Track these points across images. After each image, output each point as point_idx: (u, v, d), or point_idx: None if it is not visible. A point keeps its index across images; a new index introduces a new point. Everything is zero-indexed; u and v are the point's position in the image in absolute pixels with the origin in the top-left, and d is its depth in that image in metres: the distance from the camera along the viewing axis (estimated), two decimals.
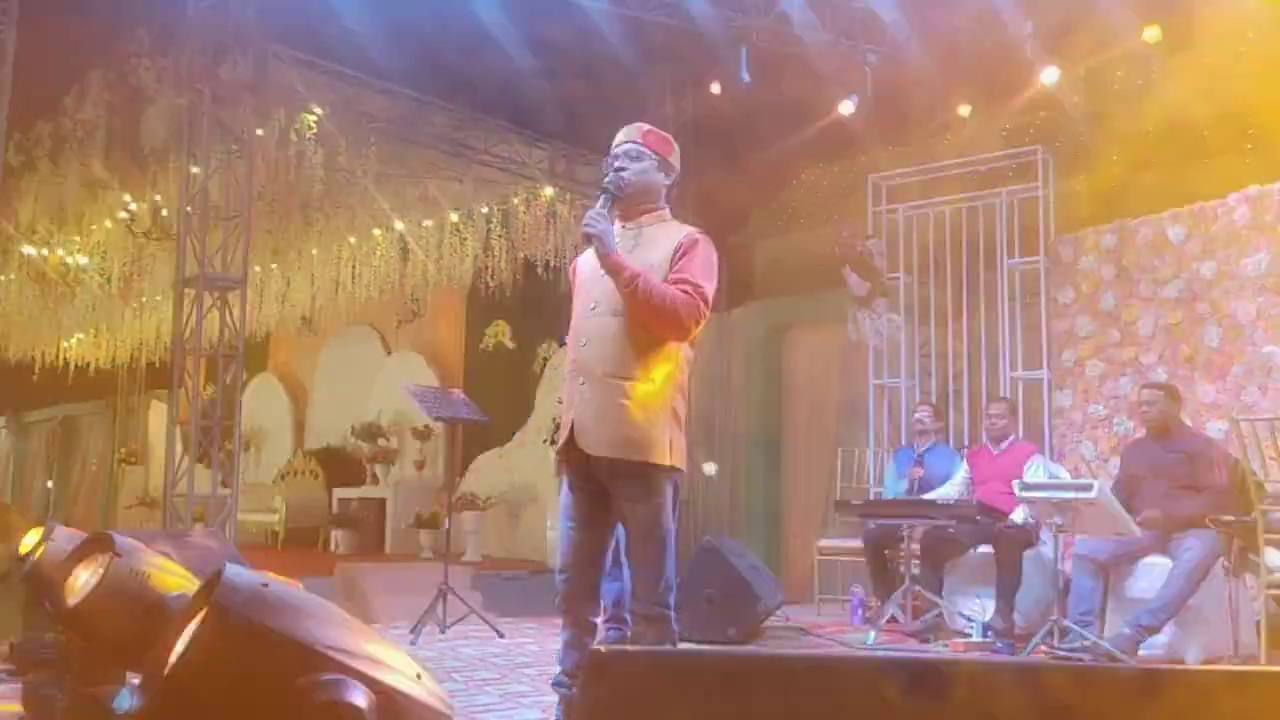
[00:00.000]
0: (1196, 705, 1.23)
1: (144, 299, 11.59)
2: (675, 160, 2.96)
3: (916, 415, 6.34)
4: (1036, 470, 5.50)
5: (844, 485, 7.17)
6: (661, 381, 2.79)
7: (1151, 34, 6.78)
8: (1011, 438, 5.89)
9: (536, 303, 9.51)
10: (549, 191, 8.63)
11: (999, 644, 5.08)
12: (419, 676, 1.59)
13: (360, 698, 1.43)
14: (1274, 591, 4.28)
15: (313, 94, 7.12)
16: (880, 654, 4.57)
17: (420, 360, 10.94)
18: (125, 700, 2.40)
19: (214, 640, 1.48)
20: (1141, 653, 4.57)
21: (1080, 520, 4.59)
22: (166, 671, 1.49)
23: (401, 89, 7.36)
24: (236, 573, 1.57)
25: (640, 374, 2.77)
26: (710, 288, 2.78)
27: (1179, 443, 4.90)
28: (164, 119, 7.28)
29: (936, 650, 5.26)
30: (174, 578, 1.99)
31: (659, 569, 2.82)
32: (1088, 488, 4.52)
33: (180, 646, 1.50)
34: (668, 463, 2.77)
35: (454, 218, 9.40)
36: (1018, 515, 5.30)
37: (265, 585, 1.55)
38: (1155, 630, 4.57)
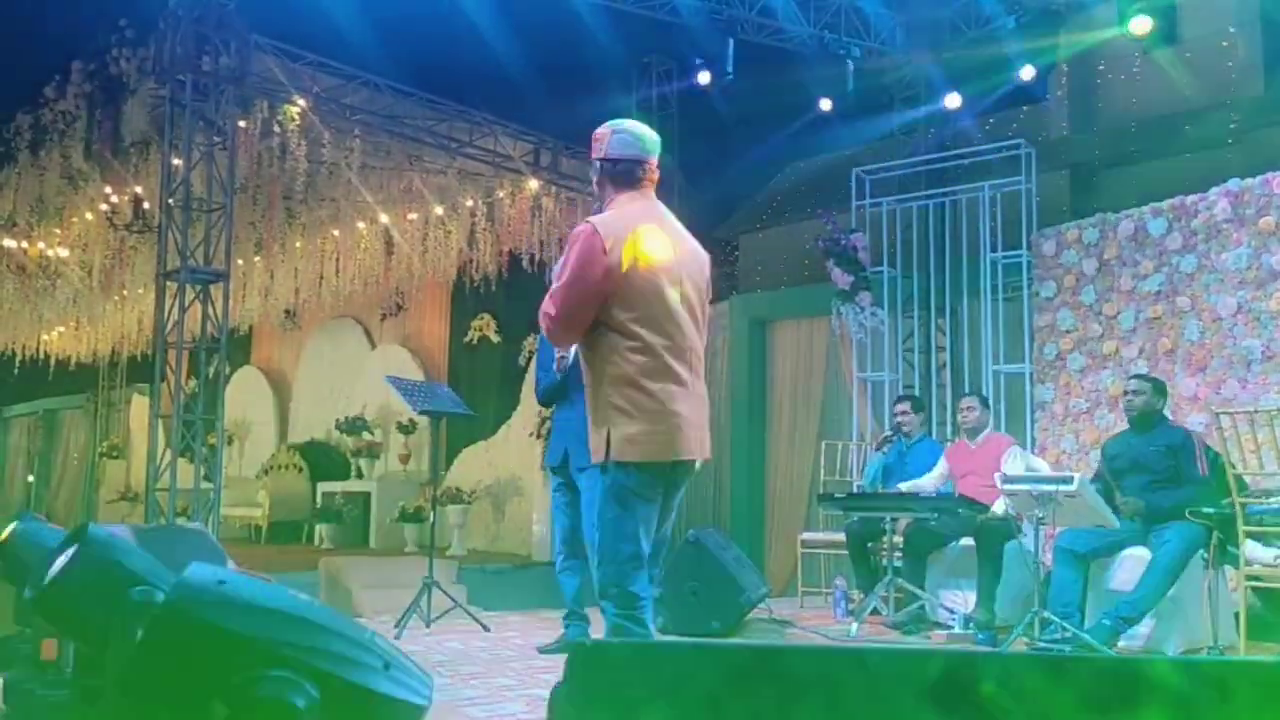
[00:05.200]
0: (1175, 694, 1.25)
1: (125, 292, 11.53)
2: (604, 146, 2.98)
3: (895, 409, 6.36)
4: (1014, 462, 5.53)
5: (827, 478, 7.20)
6: (598, 381, 2.82)
7: (1135, 30, 6.83)
8: (988, 430, 5.91)
9: (521, 296, 9.49)
10: (534, 184, 8.61)
11: (980, 636, 5.11)
12: (387, 666, 1.59)
13: (300, 696, 1.43)
14: (1252, 583, 4.33)
15: (296, 85, 7.08)
16: (865, 646, 4.60)
17: (405, 354, 10.91)
18: None
19: (167, 637, 1.49)
20: (1121, 644, 4.62)
21: (1061, 513, 4.63)
22: (124, 666, 1.50)
23: (386, 81, 7.33)
24: (196, 570, 1.57)
25: (589, 379, 2.87)
26: (562, 283, 2.82)
27: (1161, 435, 4.94)
28: (145, 110, 7.24)
29: (917, 642, 5.29)
30: (143, 572, 1.98)
31: (601, 566, 2.83)
32: (1068, 480, 4.55)
33: (139, 641, 1.50)
34: (601, 459, 2.79)
35: (439, 210, 9.37)
36: (999, 507, 5.33)
37: (222, 583, 1.55)
38: (1135, 621, 4.61)
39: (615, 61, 7.99)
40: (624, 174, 2.93)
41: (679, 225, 3.00)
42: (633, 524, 2.78)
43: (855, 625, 5.37)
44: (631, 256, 2.78)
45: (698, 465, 2.90)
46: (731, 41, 7.37)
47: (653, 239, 2.84)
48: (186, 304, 6.29)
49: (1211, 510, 4.47)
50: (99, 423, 14.99)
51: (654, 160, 2.98)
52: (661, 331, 2.80)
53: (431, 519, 6.31)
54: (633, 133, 2.97)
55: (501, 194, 9.00)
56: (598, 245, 2.78)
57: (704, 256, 3.04)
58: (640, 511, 2.78)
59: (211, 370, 6.53)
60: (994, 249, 7.01)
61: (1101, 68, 7.53)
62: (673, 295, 2.84)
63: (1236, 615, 4.52)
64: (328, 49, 7.01)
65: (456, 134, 7.99)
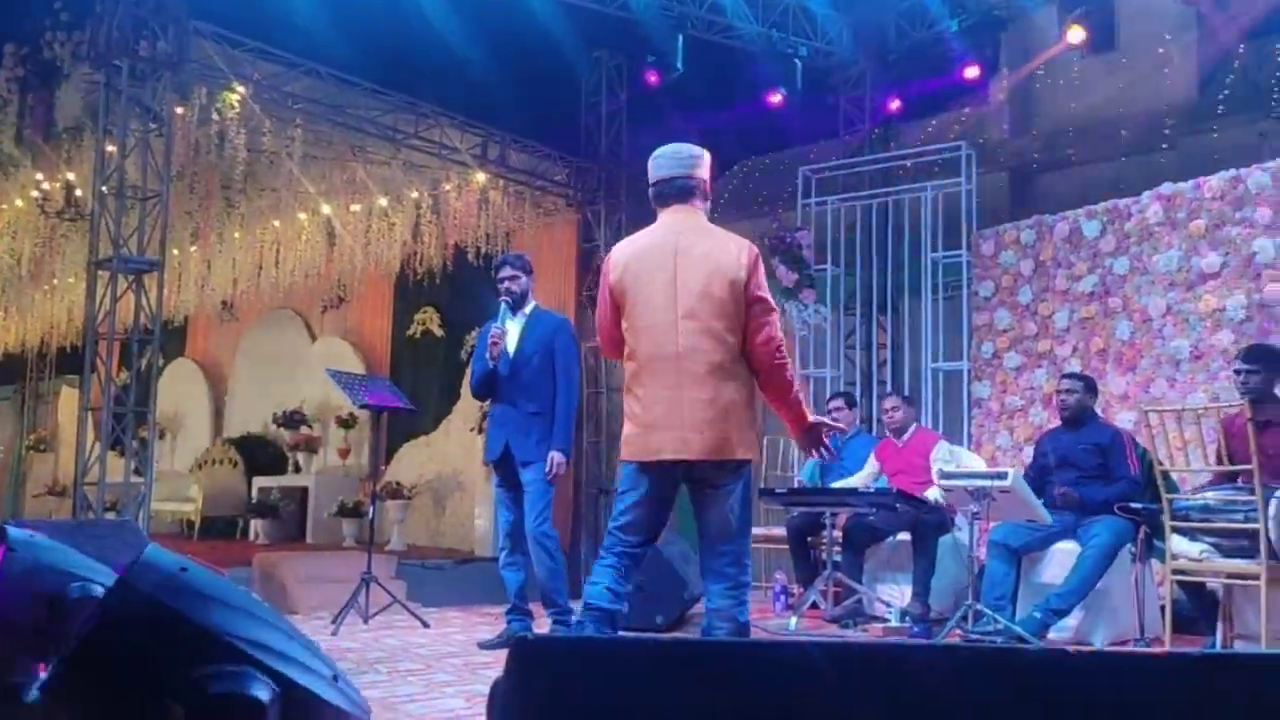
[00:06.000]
0: (1102, 685, 1.28)
1: (55, 281, 11.24)
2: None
3: (829, 406, 6.43)
4: (944, 457, 5.61)
5: (769, 474, 7.25)
6: None
7: (1074, 36, 6.98)
8: (914, 427, 5.97)
9: (466, 290, 9.42)
10: (481, 177, 8.55)
11: (915, 628, 5.19)
12: (335, 678, 1.57)
13: (262, 691, 1.41)
14: (1178, 577, 4.44)
15: (235, 72, 6.94)
16: (801, 639, 4.65)
17: (346, 347, 10.76)
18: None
19: (122, 620, 1.44)
20: (1051, 635, 4.71)
21: (995, 508, 4.72)
22: (71, 648, 1.45)
23: (329, 69, 7.21)
24: (157, 553, 1.53)
25: None
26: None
27: (1091, 433, 5.06)
28: (79, 95, 7.05)
29: (855, 635, 5.36)
30: (77, 568, 1.93)
31: None
32: (1002, 476, 4.64)
33: (94, 626, 1.46)
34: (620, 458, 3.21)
35: (383, 202, 9.26)
36: (931, 494, 5.39)
37: (184, 570, 1.51)
38: (1064, 614, 4.71)
39: (565, 55, 7.95)
40: (656, 196, 3.21)
41: (700, 233, 3.14)
42: (619, 508, 3.16)
43: (795, 619, 5.42)
44: (622, 276, 3.13)
45: (748, 465, 3.12)
46: (681, 38, 7.38)
47: (643, 257, 3.12)
48: (119, 294, 6.14)
49: (1139, 505, 4.58)
50: (26, 415, 14.58)
51: (678, 175, 3.18)
52: (649, 340, 3.07)
53: (371, 514, 6.24)
54: (659, 156, 3.23)
55: (448, 186, 8.92)
56: (606, 269, 3.21)
57: (724, 260, 3.07)
58: (628, 501, 3.12)
59: (144, 362, 6.38)
60: (935, 248, 7.12)
61: (1040, 73, 7.69)
62: (663, 306, 3.05)
63: (1162, 608, 4.64)
64: (269, 35, 6.88)
65: (402, 125, 7.89)
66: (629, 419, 3.12)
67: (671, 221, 3.16)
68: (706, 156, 3.24)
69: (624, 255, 3.17)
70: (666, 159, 3.21)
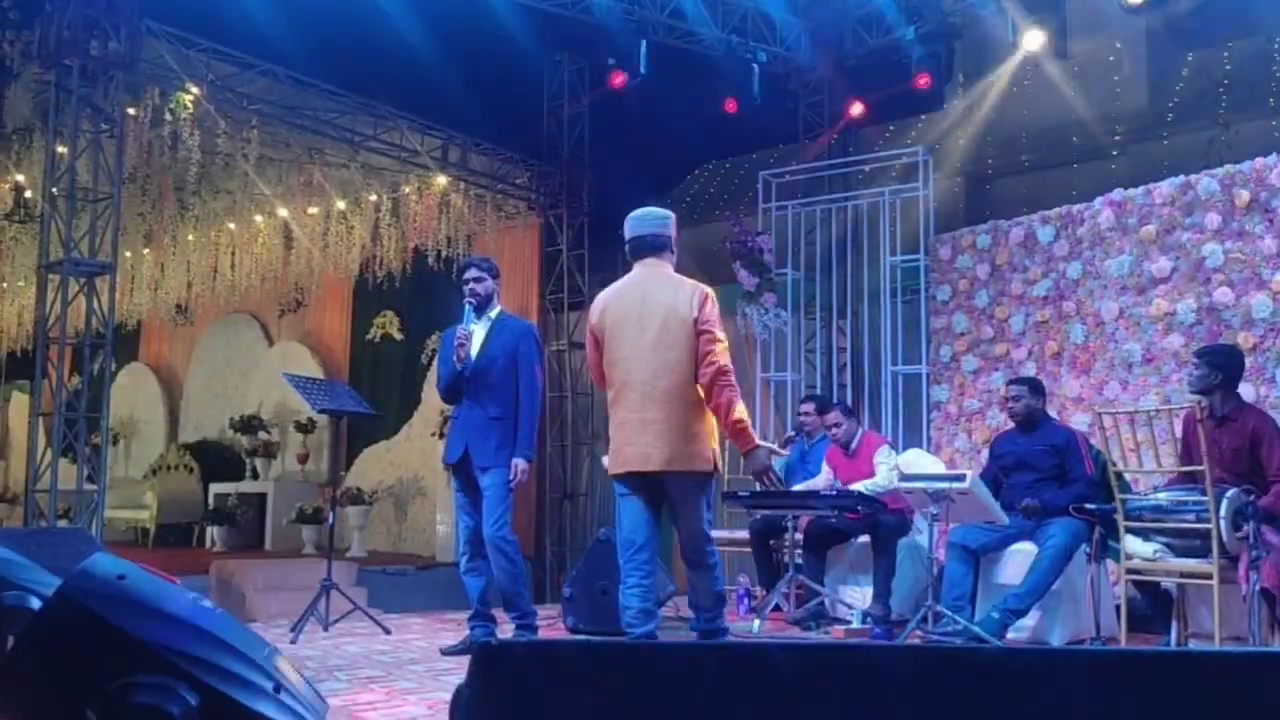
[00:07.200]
0: (1058, 683, 1.29)
1: (5, 284, 11.03)
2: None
3: (801, 409, 6.44)
4: (886, 460, 5.62)
5: (732, 477, 7.27)
6: None
7: (1027, 44, 7.08)
8: (860, 434, 5.91)
9: (426, 293, 9.37)
10: (442, 180, 8.50)
11: (877, 630, 5.23)
12: (277, 689, 1.54)
13: (175, 704, 1.38)
14: (1133, 576, 4.52)
15: (189, 73, 6.84)
16: (765, 640, 4.66)
17: (304, 351, 10.65)
18: None
19: (53, 629, 1.42)
20: (1009, 635, 4.77)
21: (954, 509, 4.76)
22: (3, 656, 1.43)
23: (284, 70, 7.13)
24: (97, 563, 1.51)
25: None
26: None
27: (1046, 434, 5.12)
28: (29, 96, 6.93)
29: (818, 637, 5.39)
30: (14, 576, 1.90)
31: None
32: (960, 478, 4.69)
33: (26, 628, 1.43)
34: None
35: (341, 205, 9.18)
36: (880, 477, 5.39)
37: (122, 578, 1.48)
38: (1022, 614, 4.77)
39: (528, 59, 7.93)
40: (631, 250, 3.78)
41: (663, 281, 3.68)
42: (619, 517, 3.69)
43: (758, 622, 5.44)
44: (601, 318, 3.73)
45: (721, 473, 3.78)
46: (644, 43, 7.38)
47: (617, 302, 3.69)
48: (70, 297, 6.03)
49: (1093, 506, 4.65)
50: None
51: (648, 233, 3.73)
52: (620, 371, 3.64)
53: (330, 520, 6.17)
54: (633, 218, 3.79)
55: (408, 189, 8.86)
56: (590, 314, 3.82)
57: (678, 302, 3.59)
58: (618, 512, 3.70)
59: (96, 366, 6.28)
60: (893, 253, 7.19)
61: (995, 79, 7.79)
62: (628, 342, 3.61)
63: (1118, 607, 4.72)
64: (223, 36, 6.79)
65: (360, 127, 7.83)
66: (610, 439, 3.67)
67: (642, 273, 3.72)
68: (673, 217, 3.82)
69: (603, 301, 3.77)
70: (639, 220, 3.77)
